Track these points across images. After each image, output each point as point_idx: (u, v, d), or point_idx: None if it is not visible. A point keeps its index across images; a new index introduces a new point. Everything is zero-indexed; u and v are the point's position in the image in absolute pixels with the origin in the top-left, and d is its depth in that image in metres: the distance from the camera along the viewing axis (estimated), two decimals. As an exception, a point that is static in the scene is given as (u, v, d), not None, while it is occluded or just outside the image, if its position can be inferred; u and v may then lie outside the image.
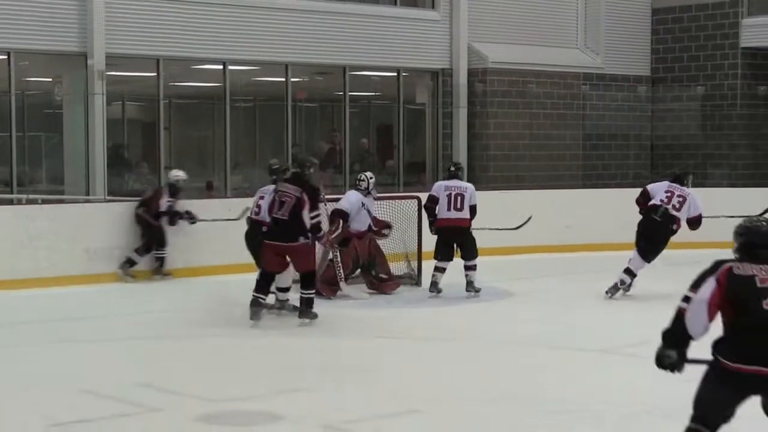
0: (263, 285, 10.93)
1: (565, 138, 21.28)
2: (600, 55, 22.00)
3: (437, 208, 13.21)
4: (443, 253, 13.35)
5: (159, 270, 14.37)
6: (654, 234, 13.01)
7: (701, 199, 13.41)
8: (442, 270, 13.33)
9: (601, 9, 22.07)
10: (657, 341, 5.74)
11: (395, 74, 20.31)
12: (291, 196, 10.82)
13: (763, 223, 6.01)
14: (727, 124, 22.09)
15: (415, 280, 13.97)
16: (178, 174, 14.91)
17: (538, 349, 9.94)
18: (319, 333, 10.57)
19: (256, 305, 10.75)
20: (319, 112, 20.96)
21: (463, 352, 10.12)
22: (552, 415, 7.42)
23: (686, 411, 5.68)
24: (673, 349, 5.82)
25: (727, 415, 5.71)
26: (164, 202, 14.51)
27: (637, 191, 14.12)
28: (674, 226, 13.09)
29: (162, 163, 17.41)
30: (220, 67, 18.08)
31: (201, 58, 18.06)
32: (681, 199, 13.12)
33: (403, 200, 14.92)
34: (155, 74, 17.48)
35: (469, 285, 13.28)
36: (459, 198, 13.30)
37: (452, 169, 13.78)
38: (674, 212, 13.04)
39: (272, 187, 11.78)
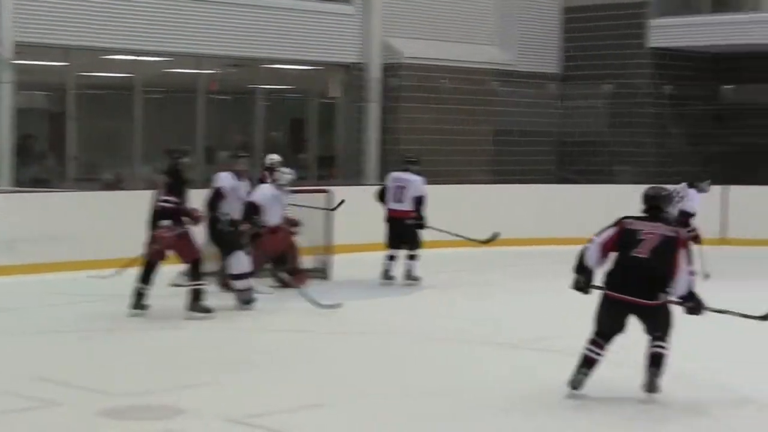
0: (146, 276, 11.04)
1: (476, 133, 21.36)
2: (512, 52, 22.14)
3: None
4: (391, 243, 13.84)
5: None
6: None
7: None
8: (392, 258, 13.77)
9: (514, 6, 22.23)
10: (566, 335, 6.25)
11: (308, 68, 20.30)
12: (161, 185, 11.08)
13: (658, 190, 8.21)
14: (634, 122, 22.41)
15: (324, 274, 14.07)
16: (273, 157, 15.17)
17: (451, 342, 10.00)
18: (226, 327, 10.54)
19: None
20: (232, 105, 20.94)
21: (372, 345, 10.13)
22: (458, 407, 7.48)
23: (594, 402, 5.90)
24: (581, 275, 8.01)
25: (616, 328, 7.75)
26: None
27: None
28: None
29: (70, 154, 17.25)
30: (132, 57, 17.93)
31: (112, 49, 17.90)
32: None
33: (313, 194, 14.98)
34: (65, 64, 17.31)
35: (408, 274, 13.72)
36: (401, 190, 13.82)
37: (405, 161, 14.41)
38: None
39: None
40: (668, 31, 22.15)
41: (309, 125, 20.61)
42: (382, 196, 14.09)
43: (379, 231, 14.15)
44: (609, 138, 22.52)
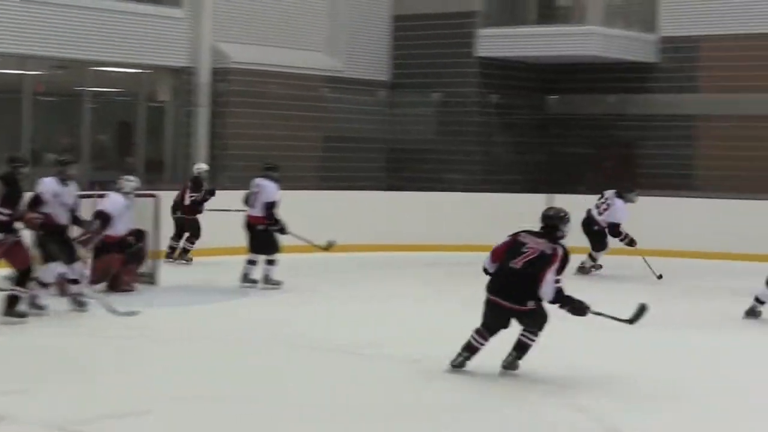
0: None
1: (305, 140, 21.43)
2: (341, 58, 22.24)
3: None
4: (249, 248, 14.18)
5: (183, 255, 16.62)
6: None
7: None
8: (251, 262, 14.05)
9: (344, 13, 22.29)
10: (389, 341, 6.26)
11: (137, 71, 20.18)
12: None
13: (556, 211, 9.16)
14: (462, 131, 22.62)
15: (152, 279, 14.05)
16: (201, 166, 17.02)
17: (278, 347, 10.04)
18: (48, 333, 10.42)
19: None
20: (59, 107, 20.59)
21: (199, 351, 10.14)
22: (276, 413, 7.53)
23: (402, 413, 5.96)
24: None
25: (498, 325, 8.78)
26: (188, 197, 16.81)
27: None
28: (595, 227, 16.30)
29: None
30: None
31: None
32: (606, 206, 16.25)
33: (141, 198, 14.79)
34: None
35: (266, 279, 13.96)
36: (254, 195, 14.18)
37: (264, 167, 14.66)
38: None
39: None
40: (496, 41, 22.39)
41: (137, 129, 20.43)
42: (246, 202, 14.45)
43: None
44: (437, 146, 22.73)
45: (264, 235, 14.13)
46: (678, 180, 22.45)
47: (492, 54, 22.35)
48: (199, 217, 16.89)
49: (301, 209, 17.56)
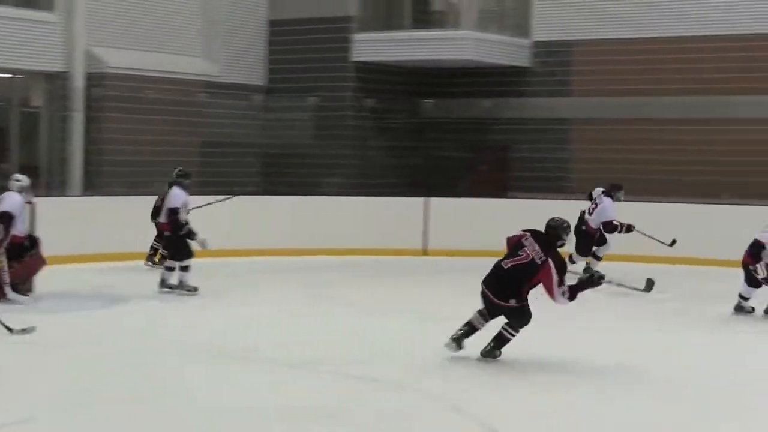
0: None
1: (182, 144, 21.32)
2: (218, 63, 22.26)
3: None
4: (167, 252, 14.52)
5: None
6: None
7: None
8: (170, 269, 14.14)
9: (219, 18, 22.34)
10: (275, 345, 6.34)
11: (9, 76, 20.06)
12: None
13: (560, 222, 9.63)
14: (338, 135, 22.75)
15: (29, 286, 13.78)
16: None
17: (163, 353, 10.02)
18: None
19: None
20: None
21: (90, 357, 10.10)
22: (168, 416, 7.58)
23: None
24: None
25: (494, 313, 9.45)
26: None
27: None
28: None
29: None
30: None
31: None
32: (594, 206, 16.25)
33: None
34: None
35: (180, 284, 14.04)
36: (163, 203, 14.61)
37: (177, 174, 14.83)
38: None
39: None
40: (371, 46, 22.56)
41: (10, 134, 20.20)
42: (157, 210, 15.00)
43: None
44: (314, 150, 22.84)
45: (173, 240, 14.29)
46: (553, 182, 22.66)
47: (367, 58, 22.56)
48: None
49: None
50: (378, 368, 9.47)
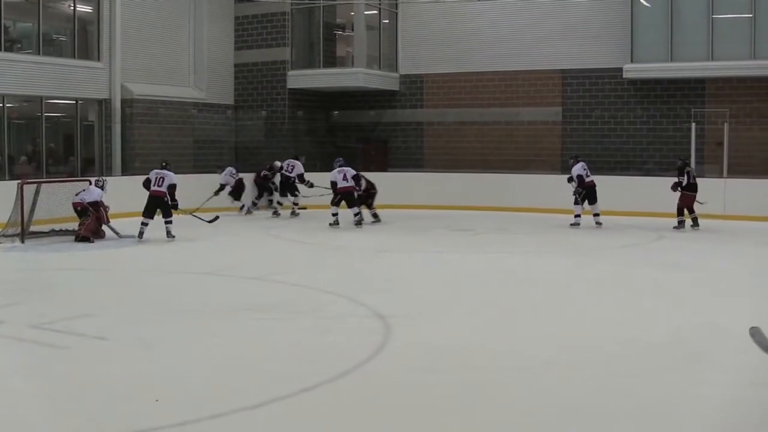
0: None
1: (182, 143, 24.63)
2: (204, 90, 25.94)
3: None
4: (147, 213, 16.87)
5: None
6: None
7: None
8: (146, 224, 16.64)
9: (204, 63, 26.04)
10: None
11: (74, 102, 22.81)
12: None
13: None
14: (280, 135, 26.08)
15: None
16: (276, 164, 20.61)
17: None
18: None
19: None
20: (25, 126, 22.71)
21: (132, 276, 11.68)
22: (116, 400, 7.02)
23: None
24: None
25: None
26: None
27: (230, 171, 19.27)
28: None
29: None
30: None
31: None
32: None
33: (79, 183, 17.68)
34: None
35: (168, 234, 16.59)
36: (161, 179, 16.94)
37: (162, 164, 17.31)
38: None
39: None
40: (299, 78, 26.51)
41: (76, 139, 22.98)
42: (146, 185, 16.77)
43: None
44: (265, 144, 26.03)
45: (168, 204, 16.54)
46: (413, 161, 26.46)
47: (297, 86, 26.49)
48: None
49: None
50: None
